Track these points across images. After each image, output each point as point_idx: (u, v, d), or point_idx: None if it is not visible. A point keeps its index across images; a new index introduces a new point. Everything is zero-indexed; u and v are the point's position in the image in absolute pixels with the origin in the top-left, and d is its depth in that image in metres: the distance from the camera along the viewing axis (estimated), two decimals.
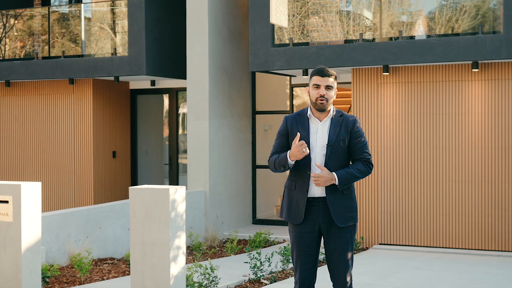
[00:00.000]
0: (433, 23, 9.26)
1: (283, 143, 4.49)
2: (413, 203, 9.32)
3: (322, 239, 4.45)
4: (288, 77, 11.60)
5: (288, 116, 4.50)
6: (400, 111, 9.39)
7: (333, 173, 4.30)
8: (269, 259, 7.11)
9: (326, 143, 4.35)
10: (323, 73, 4.34)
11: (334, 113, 4.43)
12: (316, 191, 4.34)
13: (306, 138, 4.37)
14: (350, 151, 4.43)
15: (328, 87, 4.36)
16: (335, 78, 4.40)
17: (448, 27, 9.07)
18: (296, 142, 4.22)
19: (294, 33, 9.76)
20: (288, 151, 4.31)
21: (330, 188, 4.32)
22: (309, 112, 4.43)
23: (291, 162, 4.30)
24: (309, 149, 4.36)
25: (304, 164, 4.35)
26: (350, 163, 4.48)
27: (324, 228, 4.37)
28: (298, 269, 4.39)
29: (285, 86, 11.89)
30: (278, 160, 4.38)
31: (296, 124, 4.42)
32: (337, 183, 4.29)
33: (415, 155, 9.31)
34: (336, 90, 4.44)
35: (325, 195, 4.33)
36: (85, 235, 8.33)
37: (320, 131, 4.38)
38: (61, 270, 7.62)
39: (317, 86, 4.35)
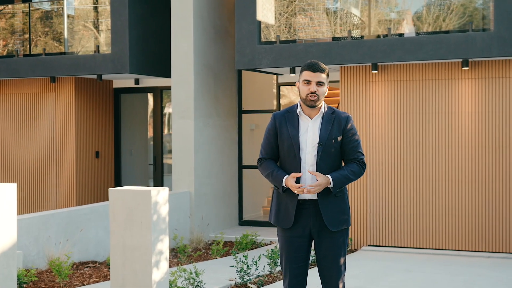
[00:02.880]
0: (420, 22, 9.08)
1: (272, 143, 4.22)
2: (402, 204, 9.14)
3: (313, 243, 4.21)
4: (274, 76, 11.40)
5: (277, 113, 4.23)
6: (389, 110, 9.21)
7: (328, 176, 4.05)
8: (256, 262, 6.88)
9: (317, 142, 4.09)
10: (314, 68, 4.07)
11: (326, 110, 4.17)
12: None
13: (295, 137, 4.11)
14: (342, 151, 4.17)
15: (320, 83, 4.09)
16: (327, 73, 4.14)
17: (436, 26, 8.90)
18: (294, 184, 3.99)
19: (281, 31, 9.55)
20: (285, 177, 4.06)
21: (322, 191, 4.06)
22: (298, 109, 4.16)
23: (285, 187, 4.08)
24: (299, 148, 4.11)
25: (294, 166, 4.10)
26: (342, 163, 4.25)
27: (315, 232, 4.12)
28: (288, 276, 4.14)
29: (272, 85, 11.70)
30: (272, 177, 4.14)
31: (285, 122, 4.15)
32: (331, 186, 4.05)
33: (405, 155, 9.13)
34: (328, 86, 4.20)
35: (316, 198, 4.09)
36: (66, 237, 8.06)
37: (310, 129, 4.11)
38: (40, 274, 7.35)
39: (308, 82, 4.08)
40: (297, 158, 4.09)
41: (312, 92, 4.06)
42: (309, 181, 4.09)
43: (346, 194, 4.20)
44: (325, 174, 4.08)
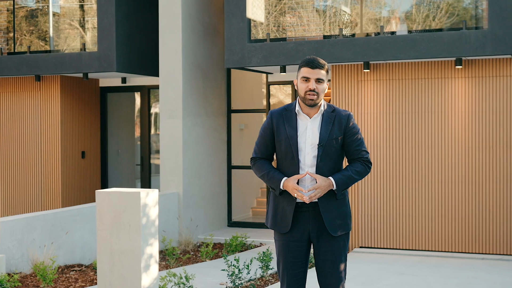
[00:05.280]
0: (409, 21, 8.94)
1: (267, 142, 4.01)
2: (394, 204, 9.00)
3: (312, 248, 4.02)
4: (264, 75, 11.23)
5: (274, 111, 4.01)
6: (381, 109, 9.06)
7: (330, 178, 3.85)
8: (247, 266, 6.69)
9: (317, 142, 3.88)
10: (313, 64, 3.86)
11: (325, 108, 3.96)
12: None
13: (294, 137, 3.89)
14: (345, 151, 3.97)
15: (319, 80, 3.88)
16: (327, 70, 3.93)
17: (425, 25, 8.77)
18: (295, 186, 3.79)
19: (270, 31, 9.38)
20: (284, 178, 3.86)
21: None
22: (297, 107, 3.94)
23: (282, 190, 3.88)
24: (298, 149, 3.90)
25: (292, 168, 3.89)
26: (345, 163, 4.06)
27: (315, 237, 3.91)
28: (286, 282, 3.93)
29: (262, 84, 11.52)
30: (267, 178, 3.94)
31: (282, 121, 3.93)
32: (335, 188, 3.85)
33: (397, 155, 9.00)
34: (328, 83, 4.00)
35: (316, 200, 3.88)
36: (51, 240, 7.83)
37: (310, 129, 3.90)
38: (24, 279, 7.12)
39: (307, 79, 3.87)
40: (295, 160, 3.89)
41: (311, 90, 3.86)
42: (308, 183, 3.90)
43: (347, 197, 4.01)
44: (326, 176, 3.88)
